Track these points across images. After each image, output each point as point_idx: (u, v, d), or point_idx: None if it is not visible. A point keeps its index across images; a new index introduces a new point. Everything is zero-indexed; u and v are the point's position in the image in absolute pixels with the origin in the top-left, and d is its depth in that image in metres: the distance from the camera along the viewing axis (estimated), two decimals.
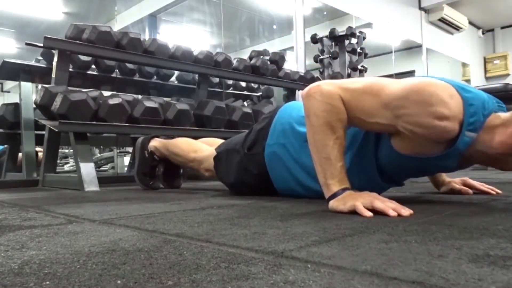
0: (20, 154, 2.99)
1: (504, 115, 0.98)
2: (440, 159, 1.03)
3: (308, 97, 1.07)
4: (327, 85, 1.06)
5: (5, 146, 3.15)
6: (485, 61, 8.74)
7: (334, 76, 4.40)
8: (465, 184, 1.38)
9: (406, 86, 0.98)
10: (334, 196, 1.00)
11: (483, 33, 8.74)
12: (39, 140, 2.67)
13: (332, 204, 0.99)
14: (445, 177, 1.42)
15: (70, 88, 2.30)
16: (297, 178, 1.31)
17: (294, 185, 1.33)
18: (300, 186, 1.31)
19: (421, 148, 1.02)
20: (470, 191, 1.35)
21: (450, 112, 0.92)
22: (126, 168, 4.89)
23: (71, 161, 6.69)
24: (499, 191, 1.34)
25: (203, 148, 1.75)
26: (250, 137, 1.47)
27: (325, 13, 6.56)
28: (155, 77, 3.34)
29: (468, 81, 8.46)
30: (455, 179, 1.41)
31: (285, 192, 1.40)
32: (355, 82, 1.06)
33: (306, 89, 1.09)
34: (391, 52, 7.13)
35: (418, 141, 1.00)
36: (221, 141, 1.77)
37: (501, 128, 0.96)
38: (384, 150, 1.11)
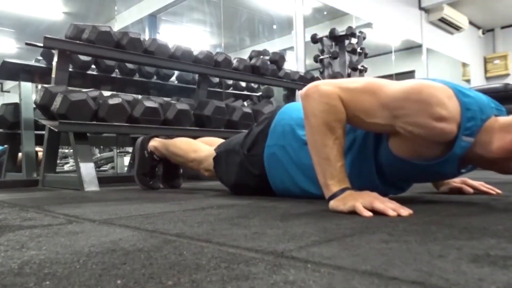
0: (20, 154, 2.99)
1: (502, 119, 0.98)
2: (439, 165, 1.03)
3: (307, 98, 1.07)
4: (325, 85, 1.06)
5: (5, 146, 3.15)
6: (485, 61, 8.74)
7: (334, 76, 4.40)
8: (464, 184, 1.38)
9: (405, 87, 0.98)
10: (334, 196, 1.00)
11: (483, 33, 8.74)
12: (39, 140, 2.67)
13: (332, 204, 0.99)
14: None
15: (70, 88, 2.30)
16: (295, 180, 1.31)
17: (292, 187, 1.33)
18: (298, 188, 1.31)
19: (419, 151, 1.02)
20: (471, 190, 1.35)
21: (448, 113, 0.92)
22: (126, 168, 4.89)
23: (71, 161, 6.69)
24: (499, 191, 1.34)
25: (203, 148, 1.74)
26: (250, 138, 1.46)
27: (325, 13, 6.56)
28: (155, 77, 3.34)
29: (468, 81, 8.47)
30: (454, 179, 1.41)
31: (283, 193, 1.40)
32: (354, 82, 1.07)
33: (305, 89, 1.09)
34: (391, 52, 7.13)
35: (415, 144, 1.00)
36: (221, 140, 1.77)
37: (500, 132, 0.96)
38: (383, 154, 1.11)
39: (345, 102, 1.03)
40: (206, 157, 1.66)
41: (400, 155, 1.06)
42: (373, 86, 1.03)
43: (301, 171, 1.28)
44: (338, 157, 1.02)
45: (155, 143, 1.94)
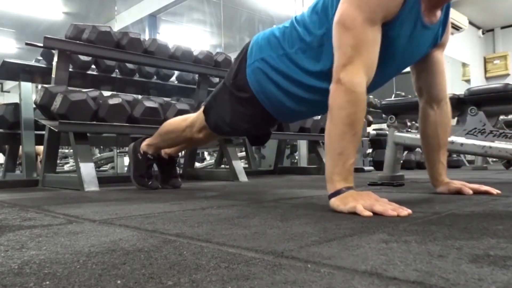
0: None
1: None
2: (407, 13, 1.07)
3: (337, 86, 1.05)
4: (352, 71, 1.04)
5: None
6: (485, 61, 8.74)
7: None
8: (463, 185, 1.38)
9: None
10: (337, 193, 1.00)
11: (483, 33, 8.74)
12: (39, 140, 2.67)
13: (333, 202, 0.99)
14: (444, 176, 1.42)
15: (70, 88, 2.31)
16: (281, 86, 1.32)
17: (280, 96, 1.35)
18: (286, 95, 1.32)
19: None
20: (470, 191, 1.35)
21: None
22: (126, 168, 4.90)
23: (71, 161, 6.69)
24: (498, 191, 1.34)
25: (191, 115, 1.78)
26: (232, 70, 1.48)
27: None
28: (155, 77, 3.34)
29: (468, 81, 8.47)
30: (454, 180, 1.41)
31: (275, 107, 1.40)
32: (346, 47, 1.05)
33: (336, 76, 1.06)
34: None
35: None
36: None
37: None
38: None
39: (366, 65, 1.04)
40: (196, 117, 1.68)
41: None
42: (350, 30, 1.04)
43: (285, 78, 1.30)
44: (352, 154, 1.02)
45: (146, 142, 1.95)
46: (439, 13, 1.19)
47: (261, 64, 1.36)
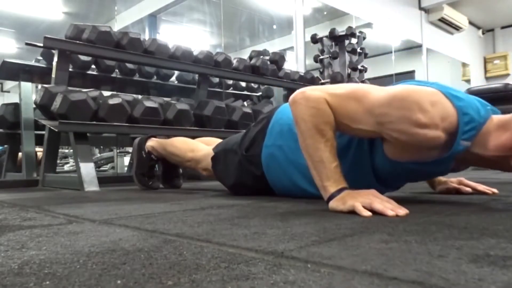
0: (20, 154, 2.99)
1: (496, 118, 0.99)
2: (434, 165, 1.04)
3: (295, 104, 1.08)
4: (312, 91, 1.07)
5: (5, 146, 3.15)
6: (485, 61, 8.74)
7: (334, 76, 4.40)
8: (461, 183, 1.39)
9: (390, 93, 0.98)
10: (332, 197, 1.00)
11: (483, 33, 8.74)
12: (39, 140, 2.67)
13: (332, 204, 0.99)
14: (440, 177, 1.42)
15: (70, 88, 2.31)
16: (293, 180, 1.31)
17: (291, 186, 1.33)
18: (297, 188, 1.31)
19: (413, 155, 1.02)
20: (468, 189, 1.35)
21: (429, 120, 0.92)
22: (126, 168, 4.89)
23: (71, 161, 6.69)
24: (496, 191, 1.34)
25: (200, 148, 1.74)
26: (248, 138, 1.46)
27: (325, 13, 6.56)
28: (155, 77, 3.34)
29: (468, 81, 8.47)
30: (451, 179, 1.41)
31: (283, 193, 1.40)
32: (340, 88, 1.07)
33: (292, 96, 1.10)
34: (391, 52, 7.13)
35: (407, 148, 1.01)
36: (219, 140, 1.76)
37: (495, 131, 0.97)
38: (378, 156, 1.11)
39: (332, 107, 1.04)
40: (204, 156, 1.66)
41: (394, 158, 1.06)
42: (359, 92, 1.03)
43: (298, 170, 1.28)
44: (331, 158, 1.02)
45: (152, 143, 1.94)
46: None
47: (278, 152, 1.33)
